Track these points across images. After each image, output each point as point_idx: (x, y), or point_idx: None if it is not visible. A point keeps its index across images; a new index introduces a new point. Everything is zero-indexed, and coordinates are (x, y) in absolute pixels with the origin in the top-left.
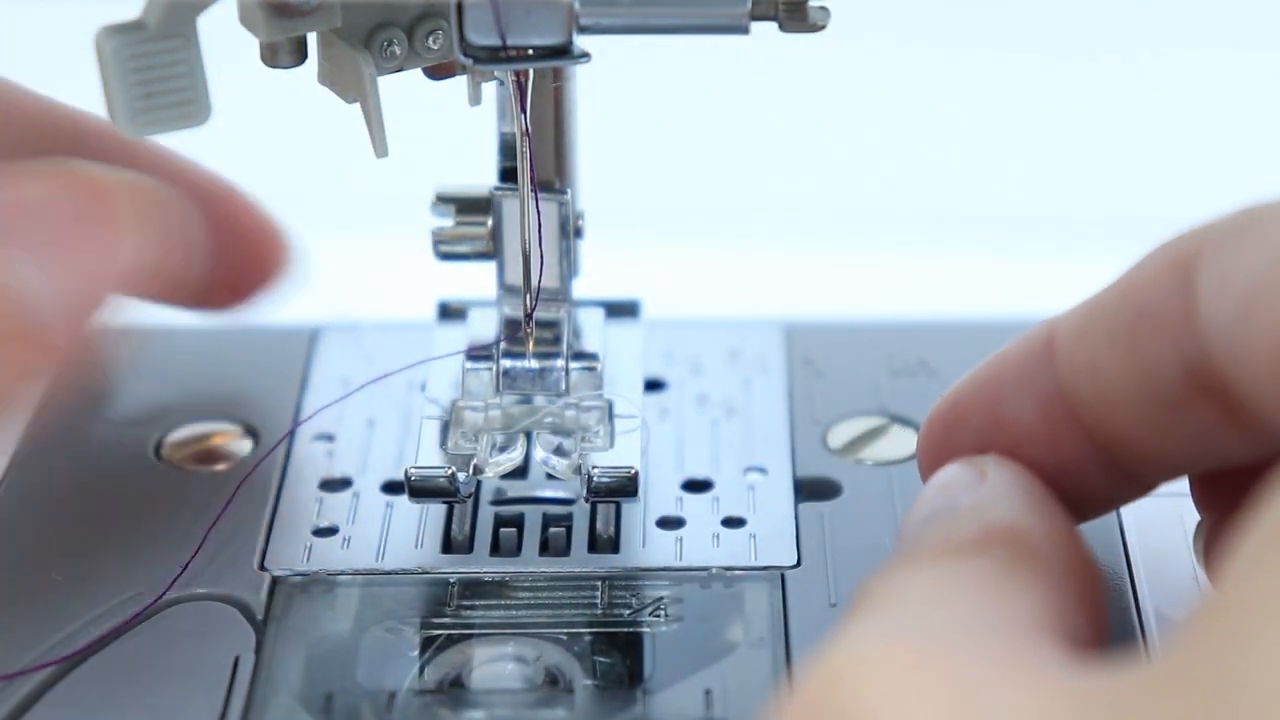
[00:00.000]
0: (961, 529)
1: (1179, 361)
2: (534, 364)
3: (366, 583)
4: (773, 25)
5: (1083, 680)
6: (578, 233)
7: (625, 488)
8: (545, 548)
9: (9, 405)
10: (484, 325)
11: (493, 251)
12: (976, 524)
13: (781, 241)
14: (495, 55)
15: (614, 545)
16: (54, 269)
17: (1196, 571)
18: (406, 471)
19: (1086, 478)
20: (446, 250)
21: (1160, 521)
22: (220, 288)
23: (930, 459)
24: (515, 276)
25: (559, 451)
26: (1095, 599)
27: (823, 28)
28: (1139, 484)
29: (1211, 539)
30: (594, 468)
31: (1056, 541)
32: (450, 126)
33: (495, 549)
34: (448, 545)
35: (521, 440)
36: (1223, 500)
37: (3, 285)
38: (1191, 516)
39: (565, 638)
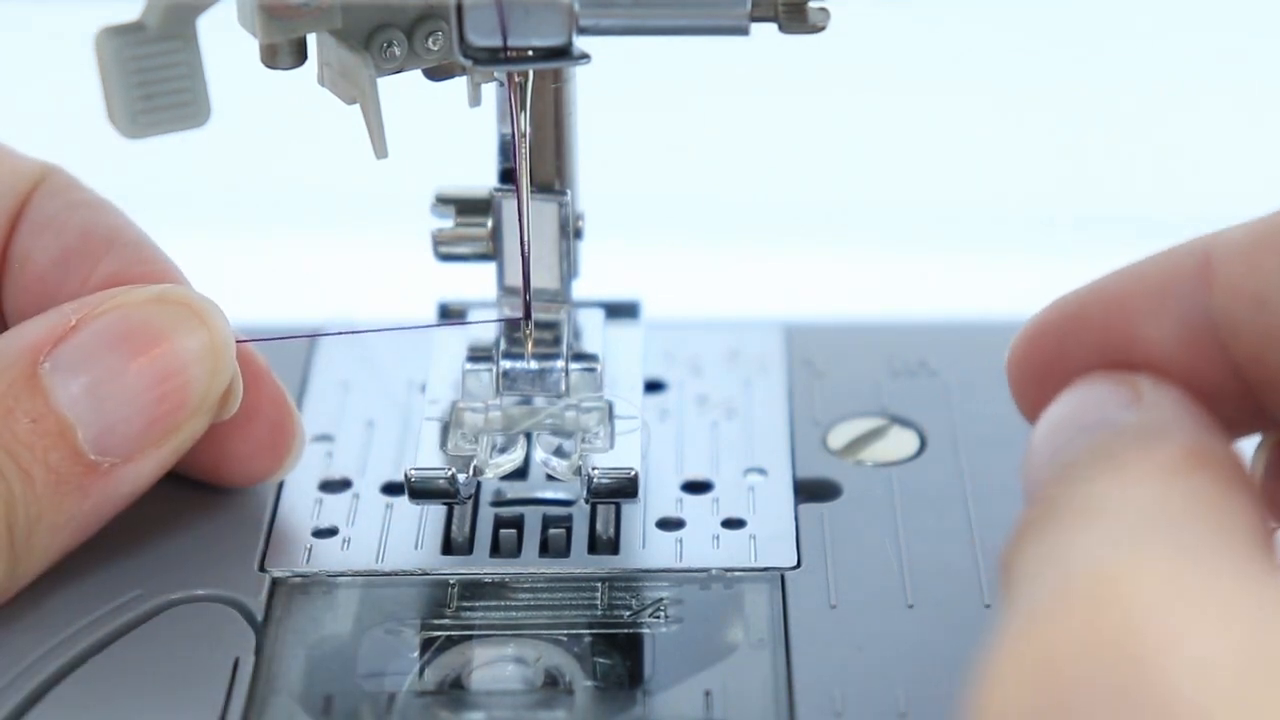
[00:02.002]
0: (1160, 447)
1: None
2: (534, 365)
3: (366, 584)
4: (772, 26)
5: None
6: (577, 234)
7: (625, 489)
8: (545, 549)
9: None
10: (484, 326)
11: (493, 253)
12: (1172, 443)
13: (781, 241)
14: (495, 56)
15: (614, 546)
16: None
17: None
18: (406, 473)
19: (1217, 407)
20: (446, 251)
21: None
22: (231, 460)
23: (1037, 366)
24: (515, 278)
25: (559, 452)
26: (1270, 522)
27: (823, 29)
28: (1265, 420)
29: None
30: (594, 469)
31: (1238, 464)
32: (450, 127)
33: (495, 550)
34: (447, 546)
35: (521, 441)
36: None
37: (67, 427)
38: None
39: (565, 639)
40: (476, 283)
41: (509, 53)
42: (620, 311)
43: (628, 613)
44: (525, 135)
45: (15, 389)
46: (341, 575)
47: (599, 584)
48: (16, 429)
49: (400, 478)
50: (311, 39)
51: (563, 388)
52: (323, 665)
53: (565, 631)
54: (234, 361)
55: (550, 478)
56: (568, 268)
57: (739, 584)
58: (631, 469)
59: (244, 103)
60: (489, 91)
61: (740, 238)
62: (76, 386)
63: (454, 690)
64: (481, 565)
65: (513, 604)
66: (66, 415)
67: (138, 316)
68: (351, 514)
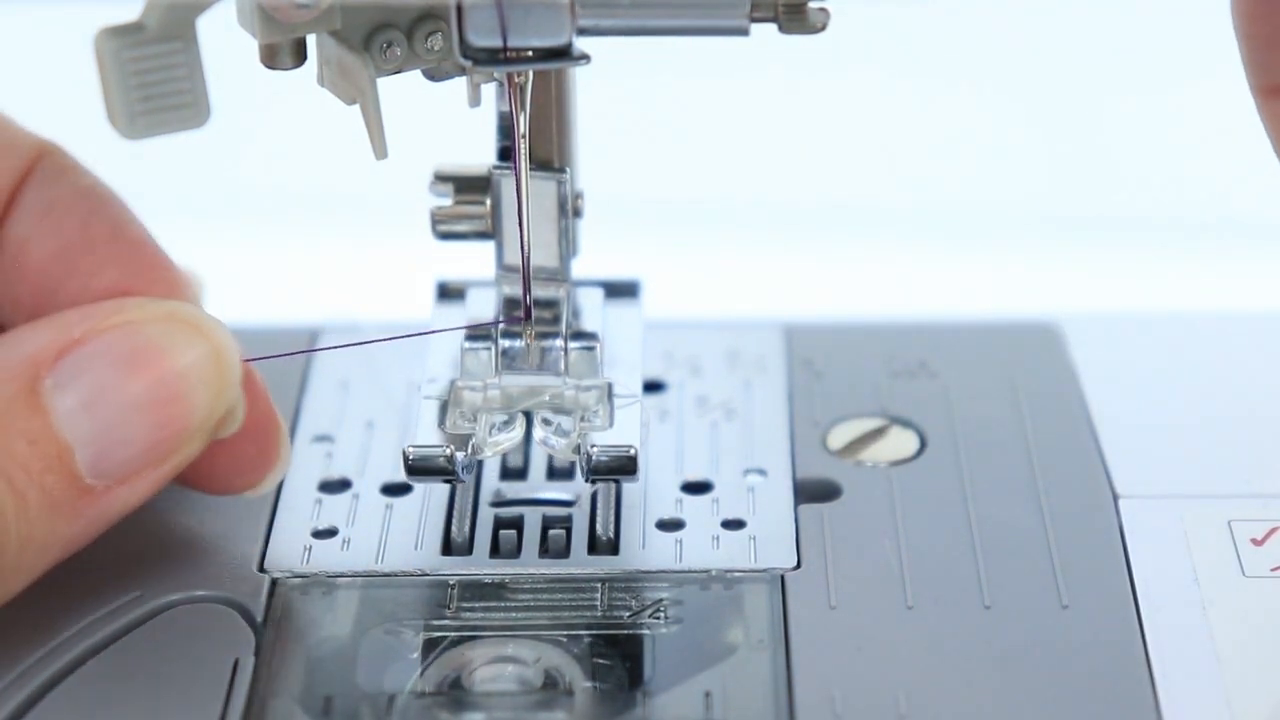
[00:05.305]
0: None
1: None
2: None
3: (366, 585)
4: (773, 26)
5: None
6: (577, 212)
7: (625, 466)
8: (545, 550)
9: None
10: (483, 305)
11: (492, 231)
12: None
13: (781, 241)
14: (495, 57)
15: (614, 547)
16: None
17: (1196, 573)
18: (405, 450)
19: None
20: (445, 230)
21: (1160, 522)
22: (214, 475)
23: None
24: (514, 256)
25: (558, 431)
26: None
27: (822, 29)
28: None
29: None
30: (593, 447)
31: None
32: (450, 128)
33: (495, 551)
34: (447, 547)
35: (520, 420)
36: None
37: (65, 450)
38: (1191, 519)
39: (565, 640)
40: (474, 268)
41: (509, 53)
42: (620, 291)
43: (627, 613)
44: (525, 137)
45: (15, 407)
46: (341, 576)
47: (599, 585)
48: (14, 449)
49: (400, 478)
50: (311, 39)
51: (562, 366)
52: (322, 666)
53: (565, 632)
54: (238, 385)
55: (550, 471)
56: (567, 246)
57: (739, 585)
58: (631, 447)
59: (244, 103)
60: (489, 91)
61: (740, 238)
62: (77, 406)
63: (454, 691)
64: (481, 566)
65: (512, 605)
66: (66, 438)
67: (144, 335)
68: (351, 514)
